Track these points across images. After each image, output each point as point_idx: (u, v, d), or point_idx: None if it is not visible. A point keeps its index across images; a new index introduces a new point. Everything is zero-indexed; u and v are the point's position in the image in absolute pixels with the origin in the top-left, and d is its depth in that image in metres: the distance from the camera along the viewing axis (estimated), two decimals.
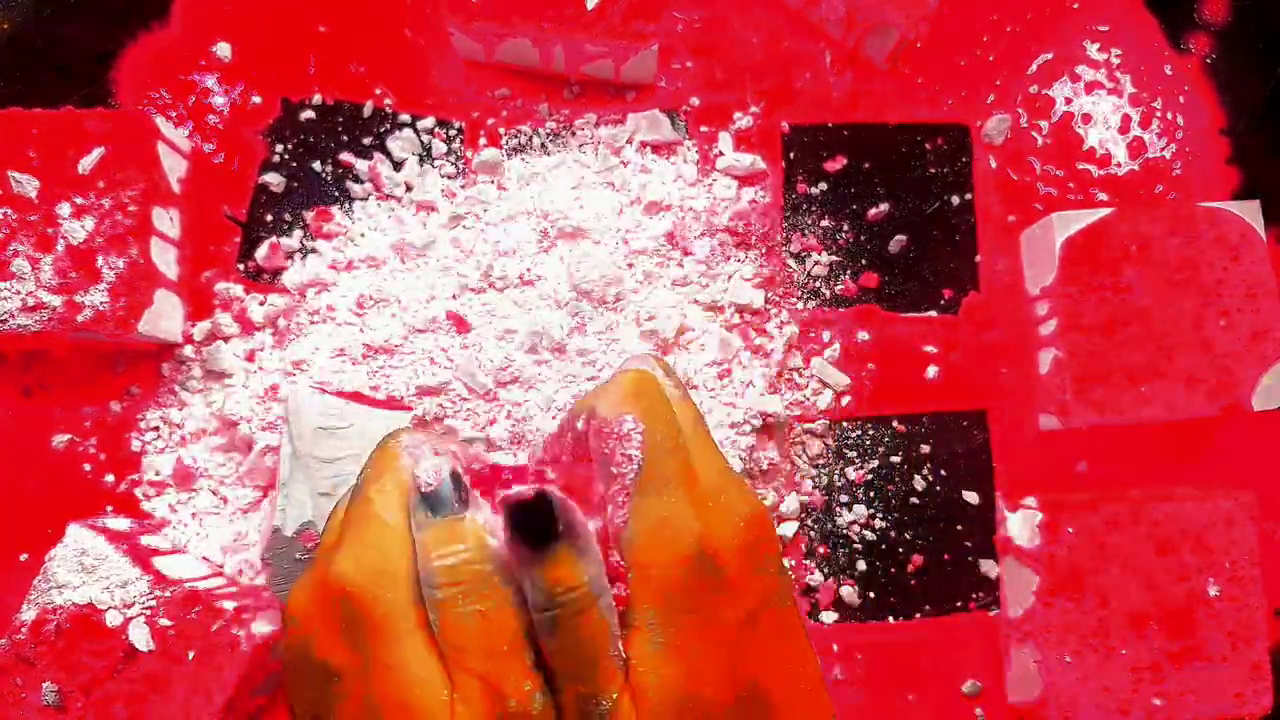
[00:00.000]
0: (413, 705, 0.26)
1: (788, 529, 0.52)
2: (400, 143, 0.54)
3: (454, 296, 0.51)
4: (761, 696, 0.27)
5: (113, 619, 0.45)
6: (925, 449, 0.55)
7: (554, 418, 0.49)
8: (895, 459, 0.55)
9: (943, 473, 0.55)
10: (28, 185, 0.47)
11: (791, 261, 0.55)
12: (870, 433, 0.55)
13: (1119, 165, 0.57)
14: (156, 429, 0.52)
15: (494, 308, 0.51)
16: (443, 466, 0.28)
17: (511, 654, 0.26)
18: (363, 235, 0.53)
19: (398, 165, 0.54)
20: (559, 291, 0.51)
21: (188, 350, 0.51)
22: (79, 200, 0.47)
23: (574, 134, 0.55)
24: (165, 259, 0.50)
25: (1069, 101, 0.57)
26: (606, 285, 0.51)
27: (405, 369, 0.50)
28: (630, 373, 0.30)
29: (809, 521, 0.53)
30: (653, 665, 0.26)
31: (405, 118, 0.55)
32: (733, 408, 0.51)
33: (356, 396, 0.48)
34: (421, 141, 0.55)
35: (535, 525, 0.26)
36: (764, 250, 0.54)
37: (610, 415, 0.28)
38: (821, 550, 0.53)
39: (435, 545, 0.27)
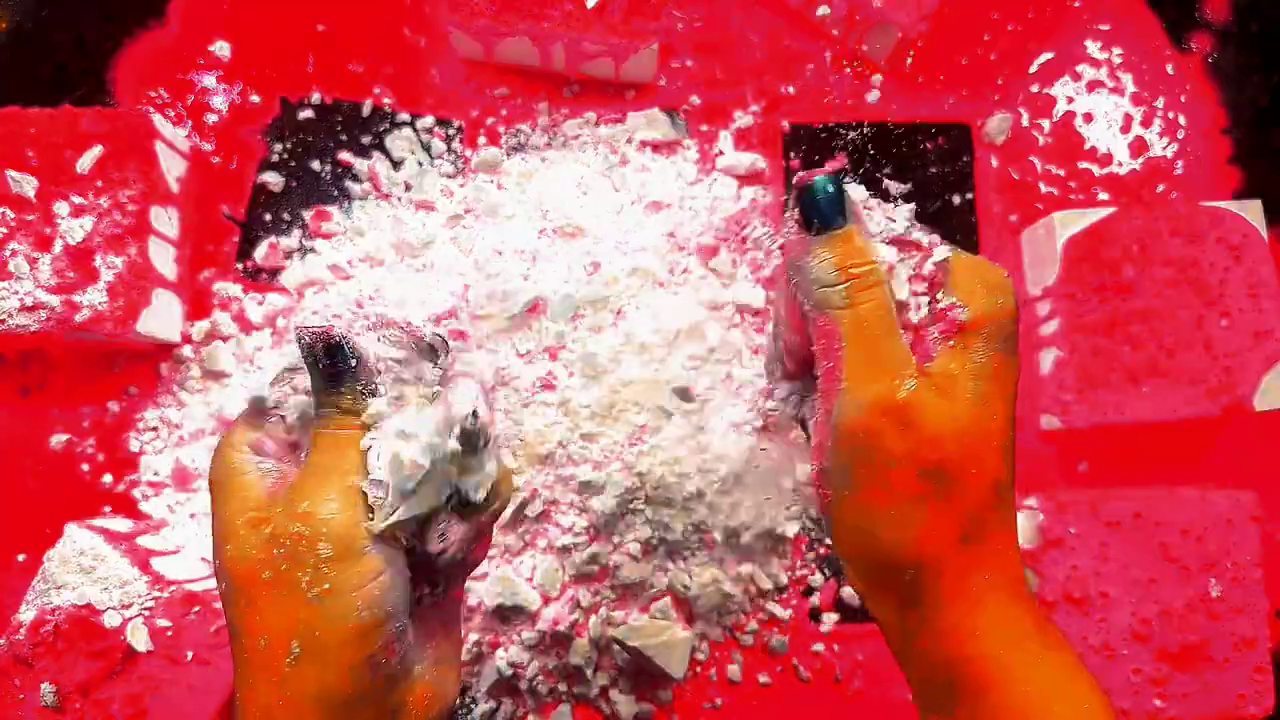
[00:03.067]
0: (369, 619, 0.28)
1: (789, 529, 0.52)
2: (399, 142, 0.54)
3: (453, 292, 0.51)
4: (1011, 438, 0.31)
5: (111, 619, 0.45)
6: None
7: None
8: None
9: None
10: (26, 184, 0.47)
11: None
12: None
13: (1120, 165, 0.57)
14: (155, 429, 0.51)
15: (495, 311, 0.51)
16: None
17: (337, 472, 0.30)
18: (361, 234, 0.53)
19: (397, 164, 0.54)
20: (560, 291, 0.51)
21: (186, 350, 0.51)
22: (77, 200, 0.47)
23: (574, 133, 0.55)
24: (164, 259, 0.49)
25: (1070, 101, 0.57)
26: (606, 285, 0.51)
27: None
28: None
29: (809, 521, 0.53)
30: (973, 370, 0.29)
31: (404, 117, 0.55)
32: (733, 407, 0.51)
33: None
34: (421, 140, 0.55)
35: (826, 206, 0.29)
36: (764, 250, 0.54)
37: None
38: (822, 550, 0.53)
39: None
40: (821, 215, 0.30)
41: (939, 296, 0.31)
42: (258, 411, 0.33)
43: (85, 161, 0.48)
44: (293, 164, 0.54)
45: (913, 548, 0.30)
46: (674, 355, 0.51)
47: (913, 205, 0.32)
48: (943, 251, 0.31)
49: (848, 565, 0.32)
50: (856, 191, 0.31)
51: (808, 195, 0.30)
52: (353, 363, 0.31)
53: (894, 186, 0.56)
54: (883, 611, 0.32)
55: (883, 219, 0.32)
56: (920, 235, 0.32)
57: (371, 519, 0.29)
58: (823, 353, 0.30)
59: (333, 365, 0.31)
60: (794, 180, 0.29)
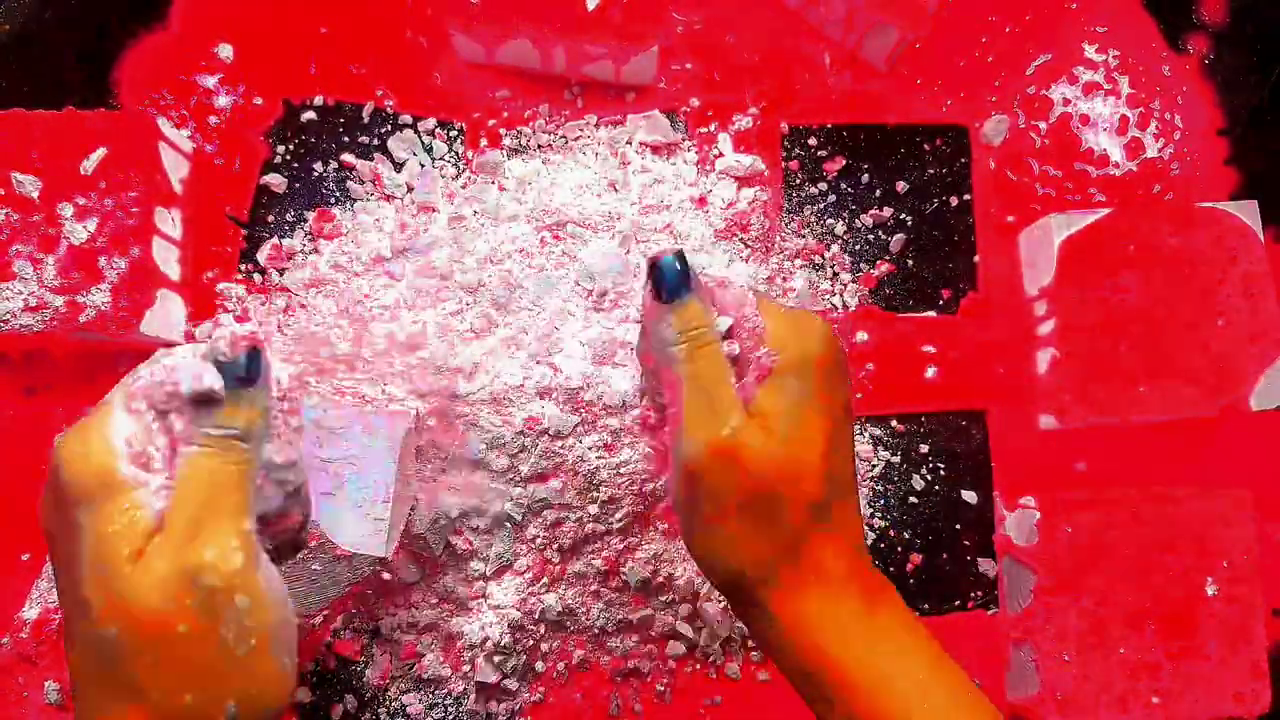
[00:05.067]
0: (99, 559, 0.28)
1: None
2: (401, 144, 0.55)
3: (459, 303, 0.51)
4: (848, 454, 0.36)
5: None
6: (924, 449, 0.55)
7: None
8: (894, 459, 0.55)
9: (941, 472, 0.55)
10: (30, 186, 0.48)
11: (790, 262, 0.55)
12: (869, 432, 0.55)
13: (1117, 166, 0.57)
14: None
15: (495, 315, 0.51)
16: (237, 344, 0.32)
17: (230, 511, 0.30)
18: (364, 235, 0.53)
19: (399, 166, 0.55)
20: (561, 292, 0.51)
21: None
22: (81, 201, 0.48)
23: (574, 135, 0.55)
24: (167, 259, 0.50)
25: (1067, 103, 0.58)
26: (612, 284, 0.51)
27: (406, 369, 0.50)
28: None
29: None
30: (785, 408, 0.34)
31: (406, 119, 0.55)
32: None
33: (358, 397, 0.49)
34: (423, 142, 0.55)
35: (671, 280, 0.35)
36: (763, 250, 0.55)
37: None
38: None
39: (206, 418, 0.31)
40: (669, 288, 0.35)
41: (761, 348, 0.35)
42: (160, 399, 0.30)
43: (89, 163, 0.48)
44: (295, 165, 0.55)
45: (742, 565, 0.34)
46: None
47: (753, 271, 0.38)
48: (751, 311, 0.36)
49: (708, 583, 0.37)
50: (702, 259, 0.38)
51: (657, 271, 0.35)
52: (262, 374, 0.32)
53: (892, 187, 0.56)
54: (744, 621, 0.37)
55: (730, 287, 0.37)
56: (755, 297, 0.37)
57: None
58: (669, 401, 0.35)
59: (250, 367, 0.31)
60: (647, 259, 0.36)
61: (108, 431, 0.29)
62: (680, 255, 0.35)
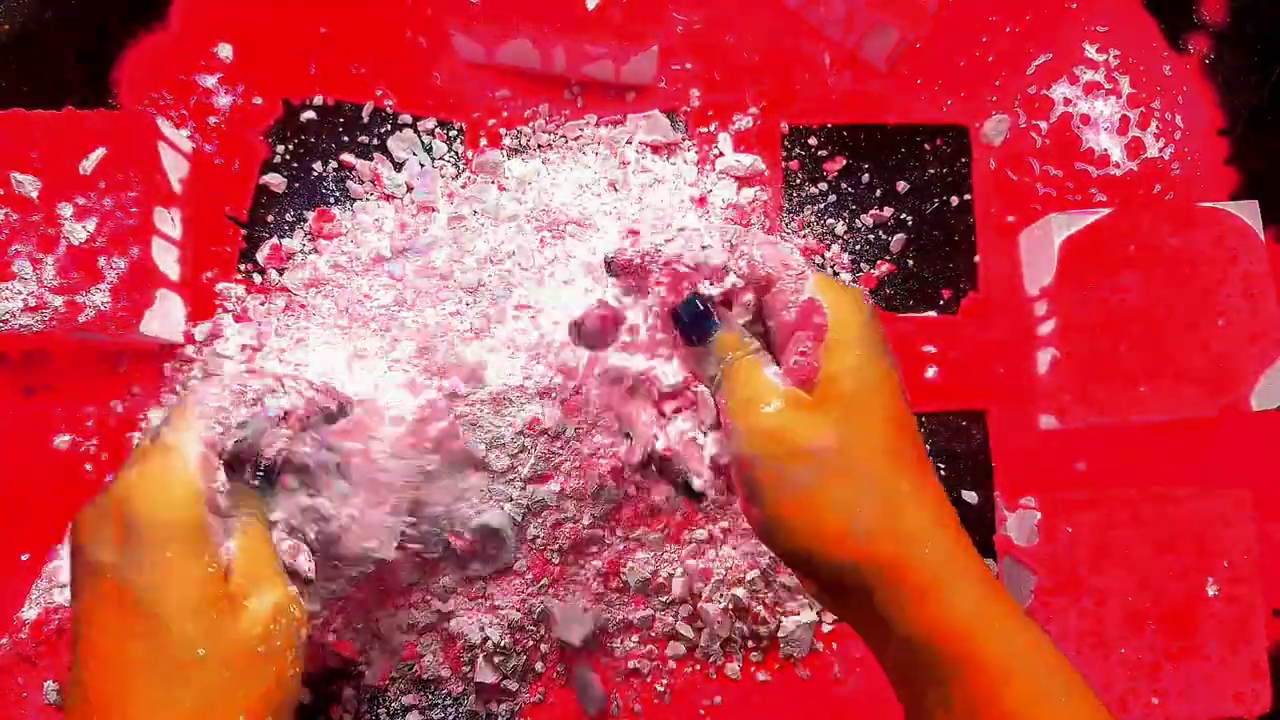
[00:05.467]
0: (177, 609, 0.31)
1: None
2: (401, 143, 0.54)
3: (459, 303, 0.51)
4: (908, 414, 0.35)
5: None
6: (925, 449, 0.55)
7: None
8: None
9: (942, 472, 0.55)
10: (29, 186, 0.48)
11: None
12: None
13: (1117, 166, 0.57)
14: None
15: (496, 315, 0.51)
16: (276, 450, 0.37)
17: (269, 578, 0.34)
18: (363, 235, 0.53)
19: (398, 166, 0.55)
20: (562, 292, 0.51)
21: (189, 350, 0.52)
22: (80, 201, 0.48)
23: (574, 135, 0.55)
24: (167, 259, 0.50)
25: (1068, 102, 0.57)
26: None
27: (407, 369, 0.50)
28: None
29: None
30: (847, 367, 0.33)
31: (406, 118, 0.55)
32: None
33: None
34: (422, 142, 0.55)
35: (695, 326, 0.36)
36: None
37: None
38: None
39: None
40: (697, 333, 0.36)
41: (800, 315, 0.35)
42: (241, 451, 0.36)
43: (88, 163, 0.48)
44: (295, 165, 0.55)
45: (837, 546, 0.32)
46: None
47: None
48: (808, 280, 0.35)
49: (802, 581, 0.35)
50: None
51: (679, 324, 0.36)
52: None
53: (893, 187, 0.56)
54: (844, 611, 0.35)
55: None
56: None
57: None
58: (721, 413, 0.36)
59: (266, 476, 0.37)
60: (663, 306, 0.37)
61: (191, 479, 0.33)
62: (697, 294, 0.36)
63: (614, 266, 0.38)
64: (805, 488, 0.32)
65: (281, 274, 0.53)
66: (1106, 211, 0.52)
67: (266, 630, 0.32)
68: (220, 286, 0.53)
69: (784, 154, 0.56)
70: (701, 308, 0.36)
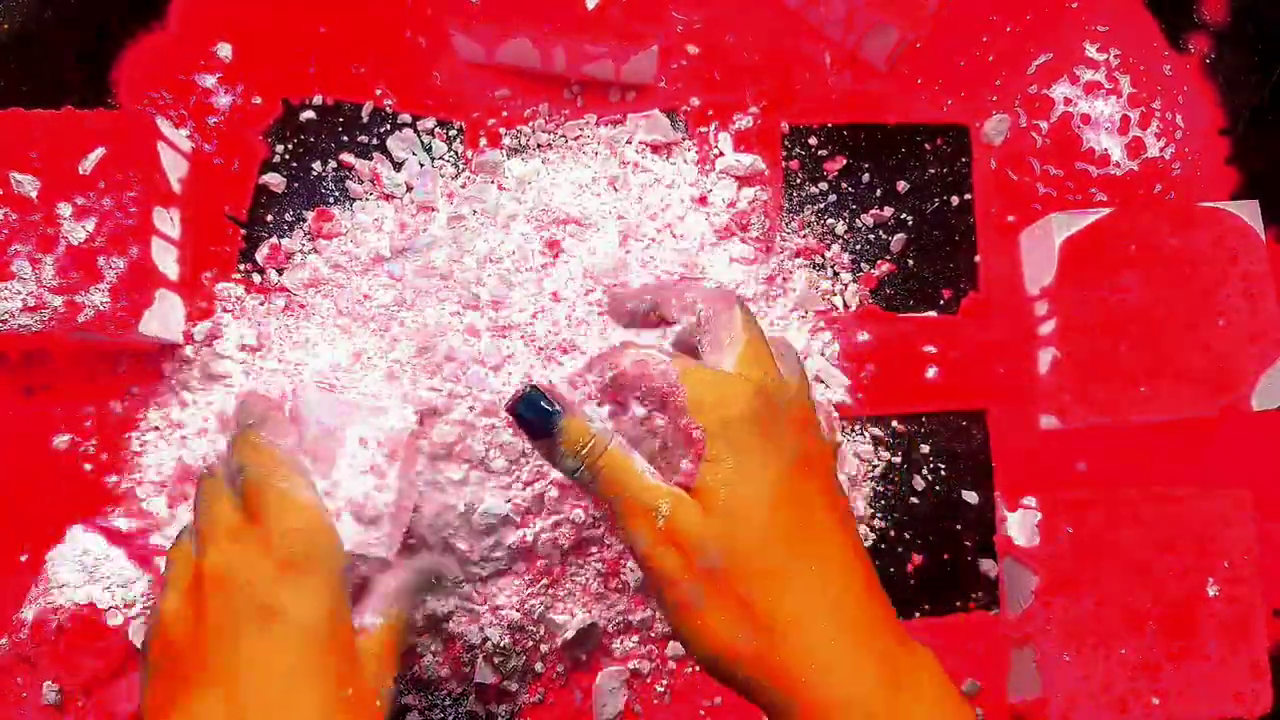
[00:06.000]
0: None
1: None
2: (400, 143, 0.54)
3: (459, 303, 0.51)
4: (809, 509, 0.33)
5: (114, 619, 0.45)
6: (925, 449, 0.55)
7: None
8: (895, 459, 0.55)
9: (942, 472, 0.55)
10: (29, 186, 0.47)
11: (790, 261, 0.55)
12: (869, 432, 0.55)
13: (1118, 165, 0.57)
14: (157, 429, 0.52)
15: (497, 315, 0.51)
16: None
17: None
18: (363, 235, 0.53)
19: (398, 165, 0.55)
20: (562, 292, 0.51)
21: (188, 350, 0.52)
22: (80, 200, 0.48)
23: (574, 134, 0.55)
24: (166, 259, 0.50)
25: (1068, 102, 0.57)
26: (614, 279, 0.51)
27: (408, 369, 0.50)
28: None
29: None
30: (722, 478, 0.32)
31: (406, 118, 0.55)
32: None
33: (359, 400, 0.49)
34: (422, 142, 0.55)
35: (536, 420, 0.34)
36: (764, 250, 0.55)
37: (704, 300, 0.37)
38: None
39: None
40: (539, 427, 0.34)
41: (684, 420, 0.33)
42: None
43: (88, 163, 0.48)
44: (294, 165, 0.55)
45: (732, 666, 0.32)
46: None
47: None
48: (670, 371, 0.34)
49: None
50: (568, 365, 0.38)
51: (518, 420, 0.35)
52: None
53: (894, 187, 0.56)
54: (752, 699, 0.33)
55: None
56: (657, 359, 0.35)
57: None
58: (607, 518, 0.36)
59: None
60: (505, 408, 0.35)
61: (326, 519, 0.38)
62: (534, 388, 0.35)
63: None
64: (695, 608, 0.32)
65: (281, 274, 0.53)
66: (1107, 211, 0.52)
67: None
68: (219, 286, 0.53)
69: (784, 154, 0.56)
70: (538, 398, 0.34)
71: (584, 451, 0.33)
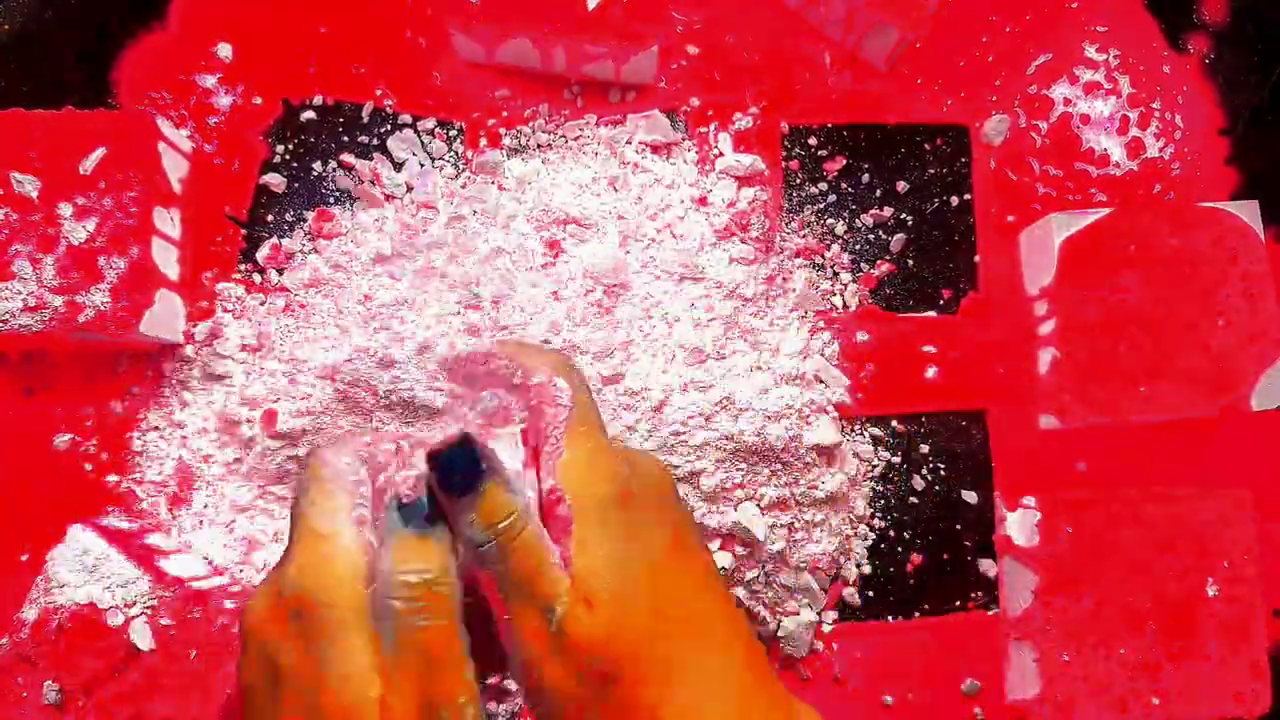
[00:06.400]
0: (341, 702, 0.28)
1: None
2: (401, 143, 0.54)
3: (458, 302, 0.51)
4: (688, 590, 0.31)
5: (114, 618, 0.45)
6: (924, 449, 0.55)
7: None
8: (894, 459, 0.55)
9: (942, 472, 0.55)
10: (29, 186, 0.47)
11: (790, 261, 0.55)
12: (869, 432, 0.55)
13: (1117, 166, 0.57)
14: (158, 429, 0.52)
15: (497, 315, 0.51)
16: (420, 481, 0.30)
17: (452, 667, 0.28)
18: (363, 235, 0.53)
19: (398, 166, 0.55)
20: (562, 292, 0.51)
21: (189, 350, 0.52)
22: (80, 201, 0.48)
23: (574, 134, 0.55)
24: (166, 259, 0.50)
25: (1068, 102, 0.57)
26: (614, 279, 0.51)
27: (409, 369, 0.50)
28: (556, 351, 0.34)
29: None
30: (596, 570, 0.29)
31: (406, 118, 0.55)
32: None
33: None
34: (422, 142, 0.55)
35: (462, 472, 0.29)
36: (764, 250, 0.55)
37: (546, 375, 0.33)
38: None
39: (401, 559, 0.29)
40: (461, 484, 0.29)
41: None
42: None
43: (88, 163, 0.48)
44: (295, 165, 0.55)
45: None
46: (673, 358, 0.51)
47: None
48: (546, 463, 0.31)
49: None
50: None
51: (442, 470, 0.29)
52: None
53: (893, 187, 0.56)
54: None
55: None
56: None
57: None
58: (492, 603, 0.30)
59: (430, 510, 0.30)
60: (425, 452, 0.29)
61: (355, 562, 0.30)
62: (466, 437, 0.29)
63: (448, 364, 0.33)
64: (583, 710, 0.29)
65: (281, 274, 0.53)
66: (1107, 211, 0.52)
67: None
68: (220, 286, 0.53)
69: (784, 154, 0.56)
70: (470, 450, 0.29)
71: (502, 525, 0.29)
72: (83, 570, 0.46)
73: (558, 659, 0.29)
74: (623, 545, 0.30)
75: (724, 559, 0.50)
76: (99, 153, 0.48)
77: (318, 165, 0.54)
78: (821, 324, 0.55)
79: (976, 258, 0.56)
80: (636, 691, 0.29)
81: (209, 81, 0.54)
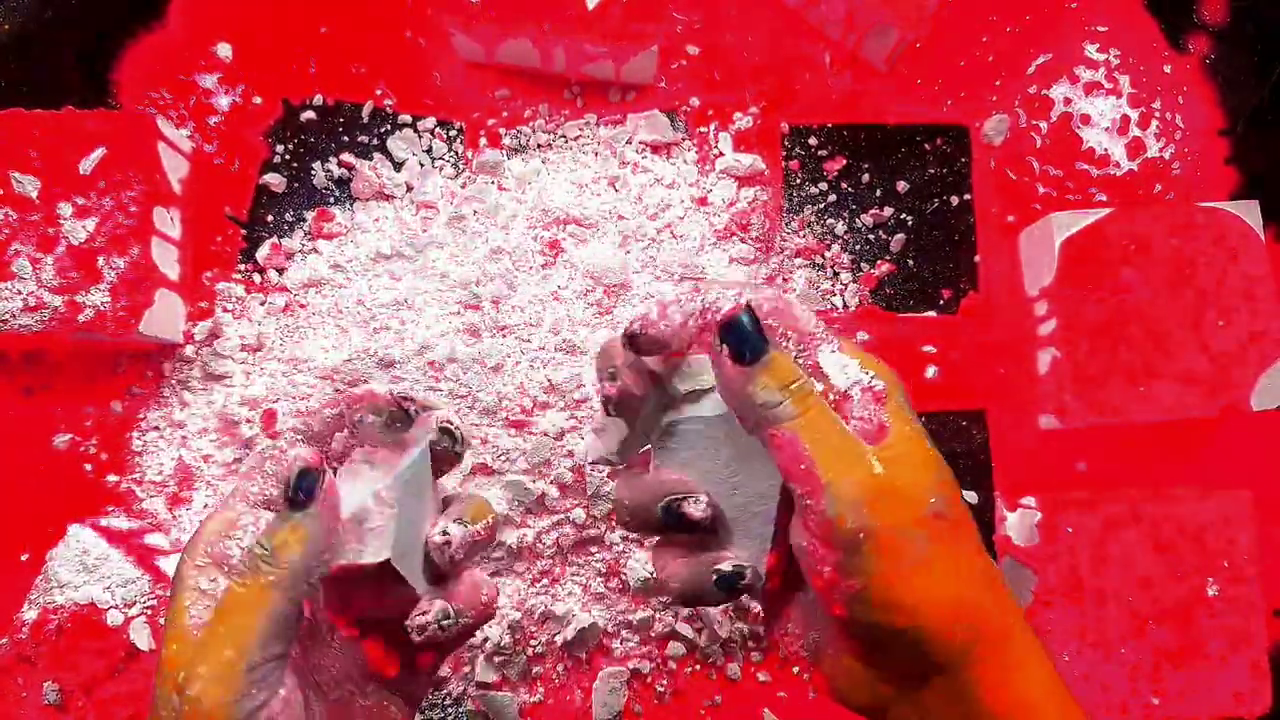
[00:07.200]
0: None
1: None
2: (401, 143, 0.54)
3: (458, 302, 0.51)
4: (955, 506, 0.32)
5: (114, 618, 0.45)
6: None
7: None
8: None
9: None
10: (29, 185, 0.47)
11: (790, 261, 0.55)
12: None
13: (1118, 166, 0.57)
14: (158, 428, 0.52)
15: (497, 315, 0.51)
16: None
17: (225, 641, 0.30)
18: (363, 235, 0.53)
19: (398, 165, 0.55)
20: (562, 293, 0.51)
21: (189, 350, 0.52)
22: (80, 200, 0.48)
23: (574, 134, 0.55)
24: (166, 259, 0.50)
25: (1068, 102, 0.57)
26: (614, 279, 0.51)
27: (409, 368, 0.50)
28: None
29: None
30: (909, 436, 0.32)
31: (406, 118, 0.55)
32: None
33: None
34: (422, 142, 0.55)
35: (754, 337, 0.31)
36: (764, 250, 0.55)
37: (775, 290, 0.33)
38: None
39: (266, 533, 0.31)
40: (752, 346, 0.31)
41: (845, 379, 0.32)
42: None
43: (88, 163, 0.48)
44: (295, 165, 0.55)
45: (947, 620, 0.30)
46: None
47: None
48: (831, 348, 0.33)
49: (865, 663, 0.32)
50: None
51: (737, 331, 0.31)
52: (314, 499, 0.30)
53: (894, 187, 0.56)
54: (905, 698, 0.32)
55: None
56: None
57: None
58: (789, 463, 0.30)
59: (296, 493, 0.30)
60: (721, 317, 0.31)
61: (203, 533, 0.31)
62: (750, 308, 0.31)
63: (640, 341, 0.32)
64: (921, 557, 0.30)
65: (281, 274, 0.53)
66: (1107, 211, 0.52)
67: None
68: (220, 286, 0.53)
69: (784, 154, 0.56)
70: (753, 319, 0.31)
71: (794, 386, 0.30)
72: (83, 570, 0.46)
73: (887, 501, 0.30)
74: (922, 431, 0.32)
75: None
76: (99, 153, 0.48)
77: (318, 165, 0.54)
78: None
79: (976, 258, 0.56)
80: (962, 538, 0.31)
81: (209, 81, 0.54)
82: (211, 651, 0.29)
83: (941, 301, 0.56)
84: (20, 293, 0.47)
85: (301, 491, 0.30)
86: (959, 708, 0.31)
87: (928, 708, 0.31)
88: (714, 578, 0.33)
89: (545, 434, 0.49)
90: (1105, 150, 0.57)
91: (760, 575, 0.33)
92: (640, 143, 0.55)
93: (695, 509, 0.33)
